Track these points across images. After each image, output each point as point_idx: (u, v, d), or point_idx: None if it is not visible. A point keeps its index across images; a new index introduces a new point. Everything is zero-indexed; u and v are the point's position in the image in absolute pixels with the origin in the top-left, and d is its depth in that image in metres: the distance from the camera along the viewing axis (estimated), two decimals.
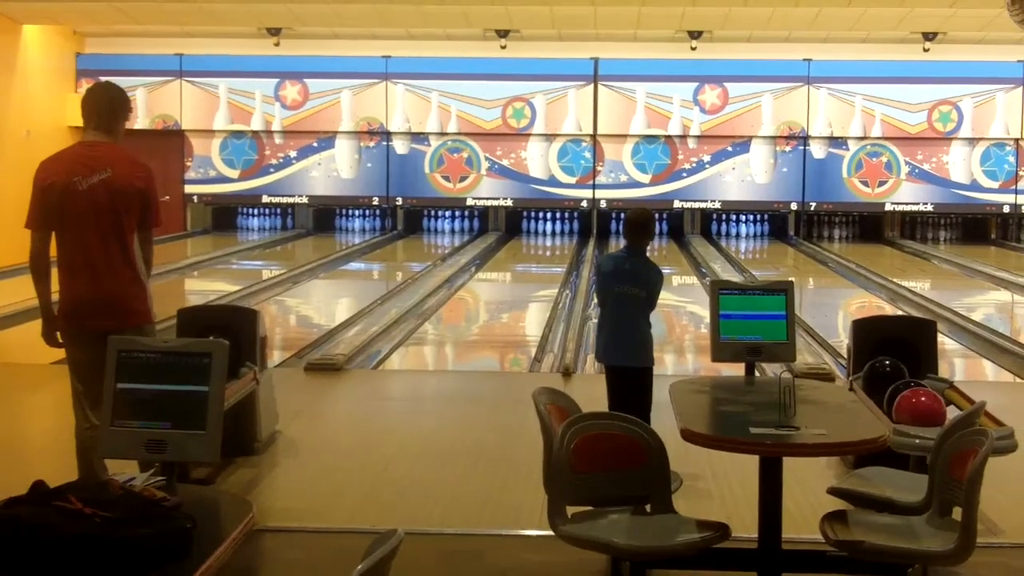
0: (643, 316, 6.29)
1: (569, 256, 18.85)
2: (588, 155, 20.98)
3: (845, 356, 7.30)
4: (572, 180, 21.02)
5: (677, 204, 21.06)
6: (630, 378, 6.22)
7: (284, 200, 21.37)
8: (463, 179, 21.14)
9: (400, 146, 21.16)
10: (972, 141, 20.82)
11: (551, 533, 4.21)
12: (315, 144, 21.19)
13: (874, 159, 20.98)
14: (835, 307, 14.54)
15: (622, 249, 6.49)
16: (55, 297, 5.29)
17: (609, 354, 6.34)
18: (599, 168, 20.98)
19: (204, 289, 15.29)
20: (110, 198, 5.16)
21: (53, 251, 5.34)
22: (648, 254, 6.53)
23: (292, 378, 8.80)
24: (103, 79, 5.50)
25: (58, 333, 5.27)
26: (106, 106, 5.34)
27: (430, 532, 5.34)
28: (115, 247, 5.20)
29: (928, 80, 20.56)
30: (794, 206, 21.14)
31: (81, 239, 5.20)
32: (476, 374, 10.01)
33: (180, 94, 20.82)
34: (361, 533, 4.95)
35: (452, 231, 21.97)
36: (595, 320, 12.09)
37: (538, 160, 21.05)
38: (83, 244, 5.20)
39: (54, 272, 5.29)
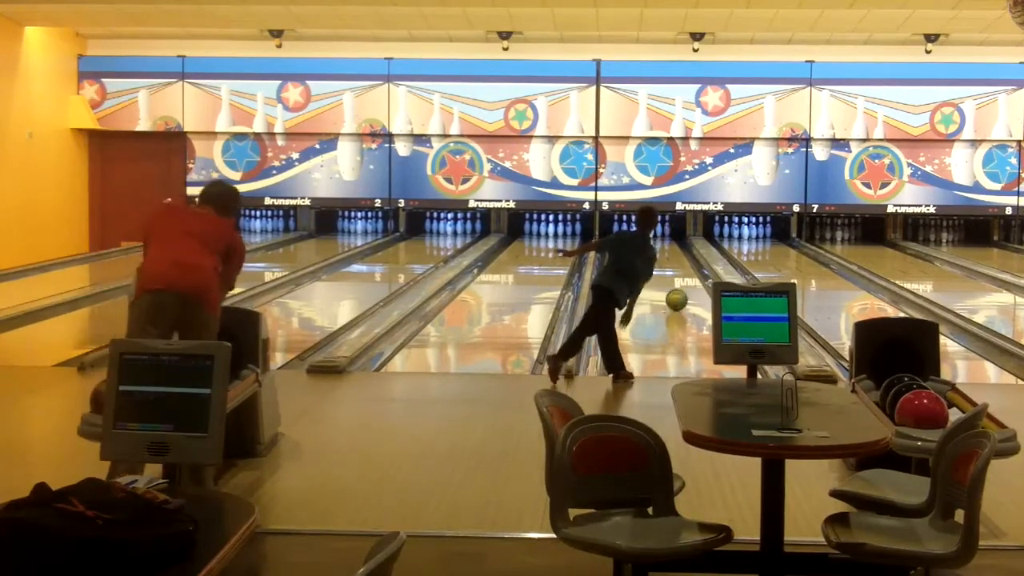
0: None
1: (571, 258, 18.81)
2: (590, 157, 20.98)
3: (847, 358, 7.29)
4: (574, 182, 21.02)
5: (679, 206, 21.06)
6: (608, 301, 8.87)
7: (286, 202, 21.37)
8: (465, 181, 21.15)
9: (402, 148, 21.17)
10: (974, 143, 20.82)
11: (553, 536, 4.21)
12: (317, 146, 21.19)
13: (876, 161, 20.97)
14: (837, 309, 14.54)
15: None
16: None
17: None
18: (601, 170, 20.98)
19: None
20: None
21: None
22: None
23: (294, 380, 8.80)
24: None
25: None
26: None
27: (432, 534, 5.33)
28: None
29: (930, 82, 20.55)
30: (796, 208, 21.14)
31: None
32: (478, 376, 10.01)
33: (182, 96, 20.81)
34: (363, 535, 4.94)
35: (454, 233, 21.97)
36: None
37: (540, 162, 21.05)
38: None
39: None
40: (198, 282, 6.11)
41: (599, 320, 8.98)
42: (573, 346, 9.05)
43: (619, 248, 9.25)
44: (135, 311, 6.11)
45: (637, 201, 20.41)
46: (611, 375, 8.92)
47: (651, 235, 9.35)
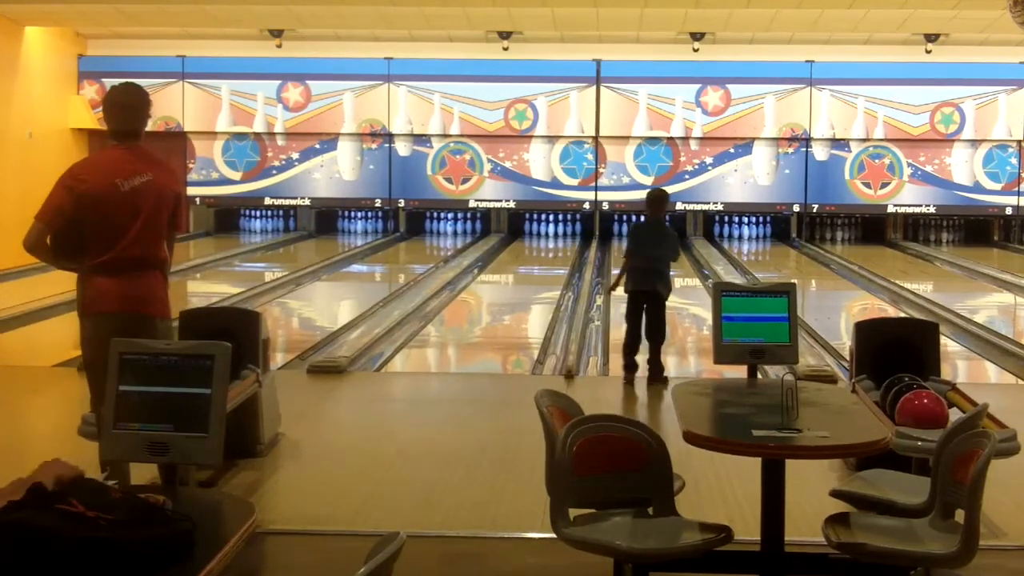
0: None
1: (571, 258, 18.84)
2: (590, 157, 20.98)
3: (847, 358, 7.29)
4: (574, 182, 21.02)
5: (680, 206, 21.04)
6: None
7: (286, 202, 21.37)
8: (465, 181, 21.14)
9: (402, 148, 21.17)
10: (974, 143, 20.81)
11: (553, 536, 4.20)
12: (317, 146, 21.20)
13: (876, 161, 20.97)
14: (837, 309, 14.54)
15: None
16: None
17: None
18: (601, 170, 20.98)
19: (206, 291, 15.30)
20: (154, 200, 5.31)
21: None
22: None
23: (294, 380, 8.80)
24: (119, 82, 5.58)
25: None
26: (132, 110, 5.46)
27: (432, 535, 5.33)
28: (143, 245, 5.32)
29: (930, 82, 20.55)
30: (796, 208, 21.14)
31: (122, 238, 5.29)
32: (478, 376, 10.00)
33: (182, 96, 20.82)
34: (363, 536, 4.94)
35: (454, 233, 21.98)
36: (597, 322, 12.14)
37: (540, 162, 21.05)
38: (115, 242, 5.29)
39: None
40: None
41: (645, 320, 8.84)
42: (636, 344, 8.90)
43: (640, 245, 8.94)
44: None
45: (637, 201, 20.46)
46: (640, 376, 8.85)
47: (664, 219, 9.18)
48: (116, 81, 5.77)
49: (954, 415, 5.48)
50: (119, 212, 5.24)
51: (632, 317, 8.83)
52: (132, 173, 5.27)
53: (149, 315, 5.27)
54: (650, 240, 8.88)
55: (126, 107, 5.41)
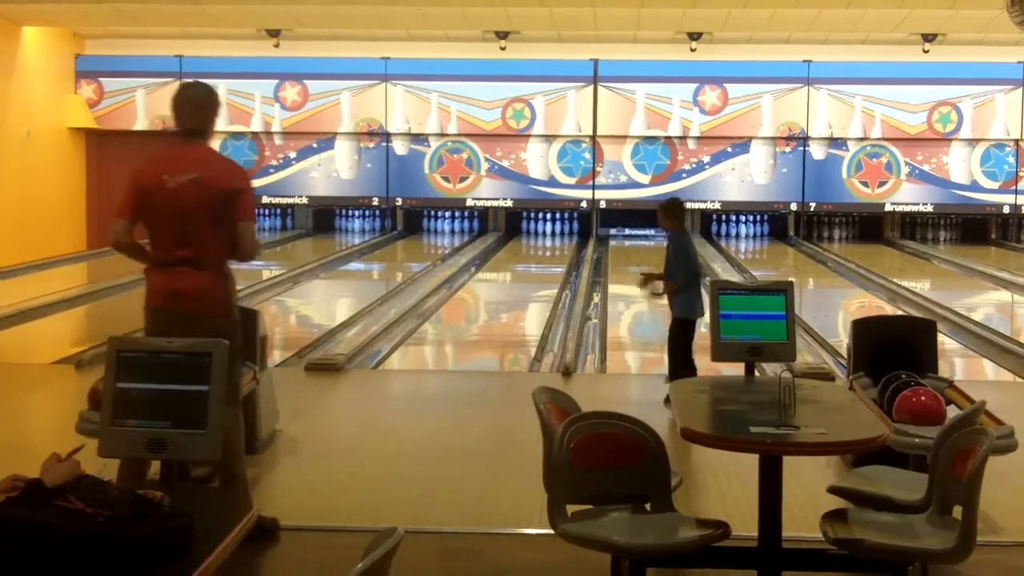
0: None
1: (569, 256, 18.85)
2: (588, 156, 20.97)
3: (845, 356, 7.30)
4: (572, 181, 21.01)
5: None
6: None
7: (284, 200, 21.37)
8: (463, 180, 21.14)
9: (400, 147, 21.17)
10: (972, 142, 20.82)
11: (551, 532, 4.21)
12: (315, 145, 21.19)
13: (874, 160, 20.97)
14: (835, 307, 14.55)
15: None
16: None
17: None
18: (599, 169, 20.98)
19: None
20: (197, 198, 5.19)
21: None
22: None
23: (292, 378, 8.81)
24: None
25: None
26: (194, 107, 5.39)
27: (430, 530, 5.34)
28: (194, 245, 5.24)
29: (928, 81, 20.55)
30: (794, 207, 21.14)
31: (164, 235, 5.27)
32: (476, 374, 10.01)
33: None
34: (361, 531, 4.94)
35: (452, 231, 21.97)
36: (595, 320, 12.15)
37: (538, 161, 21.05)
38: (165, 240, 5.27)
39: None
40: None
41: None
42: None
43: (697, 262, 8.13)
44: None
45: (635, 200, 20.48)
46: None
47: (681, 231, 8.05)
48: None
49: (951, 412, 5.48)
50: (164, 208, 5.21)
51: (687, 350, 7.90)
52: (180, 171, 5.22)
53: (194, 312, 5.15)
54: (681, 260, 7.92)
55: (188, 105, 5.38)
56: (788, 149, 20.98)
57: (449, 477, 6.29)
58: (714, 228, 21.88)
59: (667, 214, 8.05)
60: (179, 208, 5.19)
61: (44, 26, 18.95)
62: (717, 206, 21.16)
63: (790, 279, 10.14)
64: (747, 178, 21.02)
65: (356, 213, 22.19)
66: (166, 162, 5.30)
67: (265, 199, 21.21)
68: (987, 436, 3.98)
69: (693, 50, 19.80)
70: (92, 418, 5.38)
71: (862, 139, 20.88)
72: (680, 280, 7.83)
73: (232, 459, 5.08)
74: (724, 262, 17.65)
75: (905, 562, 4.34)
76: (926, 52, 19.72)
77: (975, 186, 20.89)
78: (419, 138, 21.12)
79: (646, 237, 21.03)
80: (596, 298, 13.90)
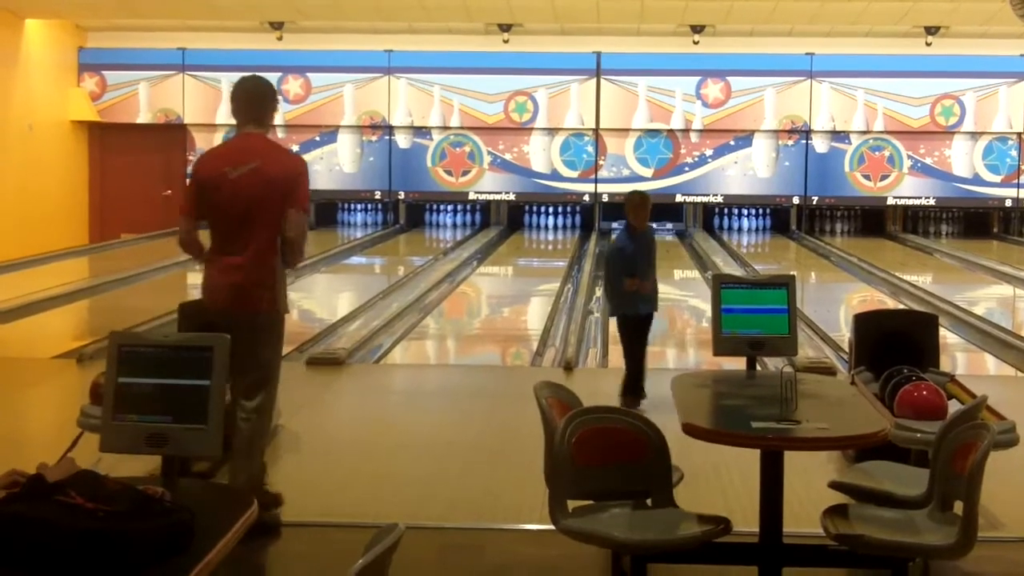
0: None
1: (571, 250, 18.83)
2: (590, 149, 20.97)
3: (847, 350, 7.29)
4: (574, 174, 21.00)
5: (679, 198, 21.04)
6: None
7: None
8: (465, 173, 21.14)
9: (402, 140, 21.16)
10: (974, 135, 20.80)
11: (552, 527, 4.21)
12: (317, 138, 21.18)
13: (876, 153, 20.96)
14: (837, 301, 14.53)
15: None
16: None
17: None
18: (601, 162, 20.97)
19: None
20: (258, 189, 5.21)
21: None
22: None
23: (294, 372, 8.79)
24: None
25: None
26: (250, 99, 5.58)
27: (431, 526, 5.34)
28: (256, 237, 5.22)
29: (930, 74, 20.54)
30: (796, 200, 21.13)
31: (228, 228, 5.28)
32: (478, 368, 10.01)
33: (182, 88, 20.78)
34: (362, 527, 4.95)
35: (454, 225, 21.96)
36: (596, 314, 12.14)
37: (540, 154, 21.04)
38: (228, 233, 5.28)
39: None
40: None
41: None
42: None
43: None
44: None
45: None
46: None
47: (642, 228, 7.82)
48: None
49: (953, 407, 5.48)
50: (228, 200, 5.22)
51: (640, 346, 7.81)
52: (240, 162, 5.27)
53: (244, 312, 5.17)
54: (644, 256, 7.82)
55: (245, 97, 5.54)
56: (790, 142, 20.96)
57: (450, 472, 6.29)
58: (716, 222, 21.85)
59: (645, 208, 7.85)
60: (243, 197, 5.20)
61: (47, 18, 18.95)
62: (719, 199, 21.15)
63: (792, 273, 10.14)
64: (749, 171, 21.00)
65: (358, 207, 22.17)
66: (227, 155, 5.43)
67: None
68: (989, 431, 3.98)
69: (696, 43, 19.80)
70: (93, 413, 5.38)
71: (864, 132, 20.86)
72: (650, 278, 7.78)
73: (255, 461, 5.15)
74: (726, 256, 17.64)
75: (906, 558, 4.34)
76: (929, 45, 19.70)
77: (977, 180, 20.88)
78: (422, 131, 21.11)
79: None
80: (598, 292, 13.88)
